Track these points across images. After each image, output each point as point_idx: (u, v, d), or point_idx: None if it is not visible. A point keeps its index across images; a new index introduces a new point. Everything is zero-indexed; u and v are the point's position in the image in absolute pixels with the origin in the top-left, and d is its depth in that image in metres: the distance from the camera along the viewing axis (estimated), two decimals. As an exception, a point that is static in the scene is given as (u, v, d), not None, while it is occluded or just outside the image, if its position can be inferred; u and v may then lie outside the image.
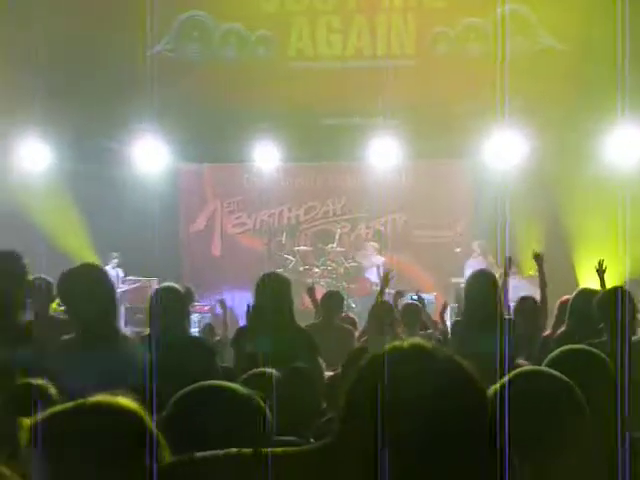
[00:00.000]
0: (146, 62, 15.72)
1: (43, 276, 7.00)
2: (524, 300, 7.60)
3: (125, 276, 15.32)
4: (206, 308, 14.68)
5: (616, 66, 13.73)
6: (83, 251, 15.35)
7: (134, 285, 15.20)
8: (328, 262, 15.74)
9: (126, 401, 2.19)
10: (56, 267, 5.44)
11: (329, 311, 7.78)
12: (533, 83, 15.24)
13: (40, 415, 2.17)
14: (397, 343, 2.06)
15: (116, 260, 15.09)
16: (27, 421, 2.16)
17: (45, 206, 15.23)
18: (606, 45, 14.33)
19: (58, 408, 2.20)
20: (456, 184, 16.29)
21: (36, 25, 15.16)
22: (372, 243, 15.60)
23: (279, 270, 14.23)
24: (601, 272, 7.53)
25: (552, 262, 8.65)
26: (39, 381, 3.75)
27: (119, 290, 14.80)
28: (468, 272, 10.86)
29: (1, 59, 15.10)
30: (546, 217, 15.15)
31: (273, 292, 6.00)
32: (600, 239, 14.29)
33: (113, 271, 14.90)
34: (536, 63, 15.67)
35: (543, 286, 7.48)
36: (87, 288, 4.78)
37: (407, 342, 2.05)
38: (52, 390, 3.72)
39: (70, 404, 2.19)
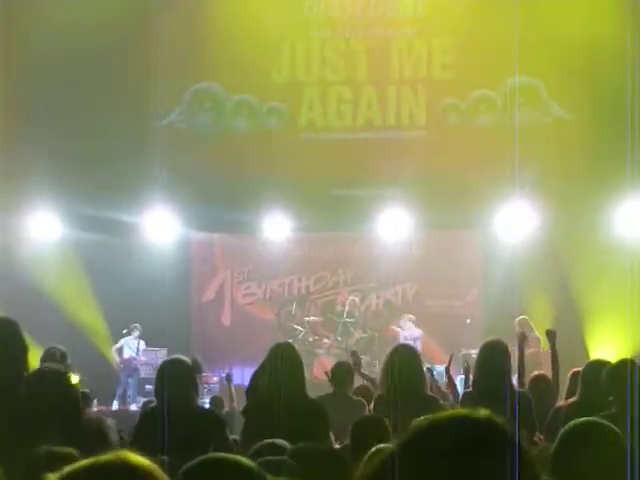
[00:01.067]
0: (158, 133, 15.92)
1: (58, 346, 7.24)
2: (537, 377, 7.57)
3: (146, 347, 15.14)
4: (215, 379, 14.58)
5: (626, 135, 13.88)
6: (95, 321, 15.38)
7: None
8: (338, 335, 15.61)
9: (142, 459, 2.19)
10: (69, 337, 5.49)
11: (340, 382, 7.72)
12: (544, 154, 15.35)
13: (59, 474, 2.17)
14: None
15: (138, 332, 14.90)
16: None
17: (57, 277, 15.26)
18: (616, 112, 14.49)
19: (76, 465, 2.20)
20: (466, 254, 16.28)
21: (50, 95, 15.37)
22: (409, 315, 15.25)
23: (289, 340, 14.31)
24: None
25: (563, 332, 8.64)
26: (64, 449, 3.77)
27: (139, 361, 14.76)
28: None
29: (15, 129, 15.30)
30: (557, 288, 15.11)
31: (285, 362, 5.96)
32: (611, 310, 14.29)
33: (135, 342, 14.85)
34: (546, 134, 15.79)
35: (555, 362, 7.45)
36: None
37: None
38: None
39: (87, 461, 2.19)
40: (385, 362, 6.47)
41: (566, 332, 13.41)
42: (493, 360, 6.34)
